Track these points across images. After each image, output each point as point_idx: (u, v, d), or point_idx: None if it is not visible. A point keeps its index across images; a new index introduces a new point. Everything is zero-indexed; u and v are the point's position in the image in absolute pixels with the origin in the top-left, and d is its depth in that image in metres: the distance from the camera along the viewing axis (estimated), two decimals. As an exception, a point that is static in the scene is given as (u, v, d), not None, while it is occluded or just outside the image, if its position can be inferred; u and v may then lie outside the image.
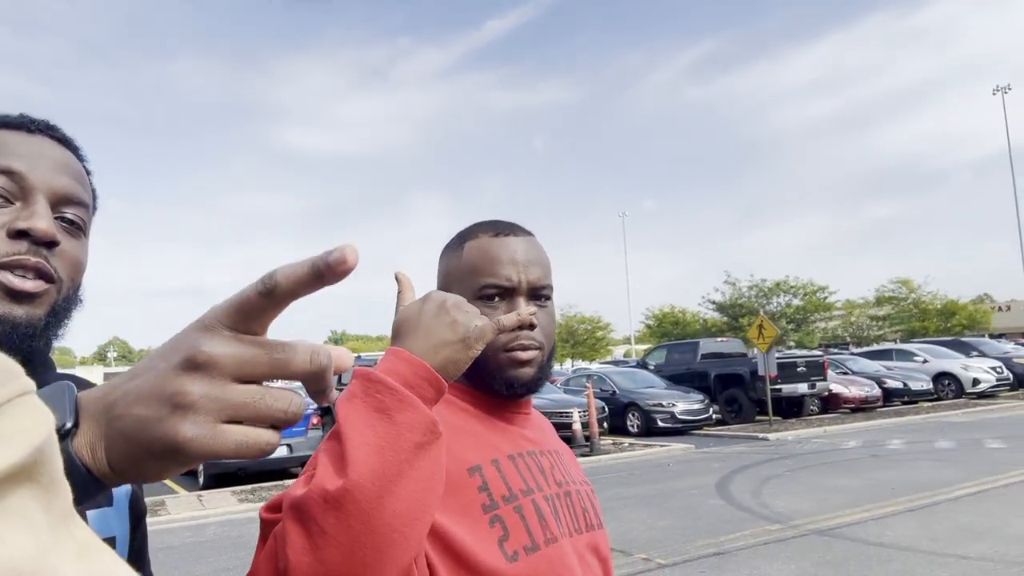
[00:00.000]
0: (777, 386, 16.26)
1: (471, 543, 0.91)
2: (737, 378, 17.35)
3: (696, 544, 6.59)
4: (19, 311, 0.78)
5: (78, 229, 0.84)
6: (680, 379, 18.15)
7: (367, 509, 0.71)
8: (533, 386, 1.07)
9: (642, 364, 21.11)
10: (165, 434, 0.40)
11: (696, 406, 16.06)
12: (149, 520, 1.04)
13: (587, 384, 14.91)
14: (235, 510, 9.30)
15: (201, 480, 11.44)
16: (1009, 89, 40.05)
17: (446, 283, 1.11)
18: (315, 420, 11.97)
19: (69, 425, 0.42)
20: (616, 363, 30.84)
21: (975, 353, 21.51)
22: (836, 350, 28.59)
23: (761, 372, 15.89)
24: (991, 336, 31.36)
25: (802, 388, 16.99)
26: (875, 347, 26.54)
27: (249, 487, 10.92)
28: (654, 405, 15.89)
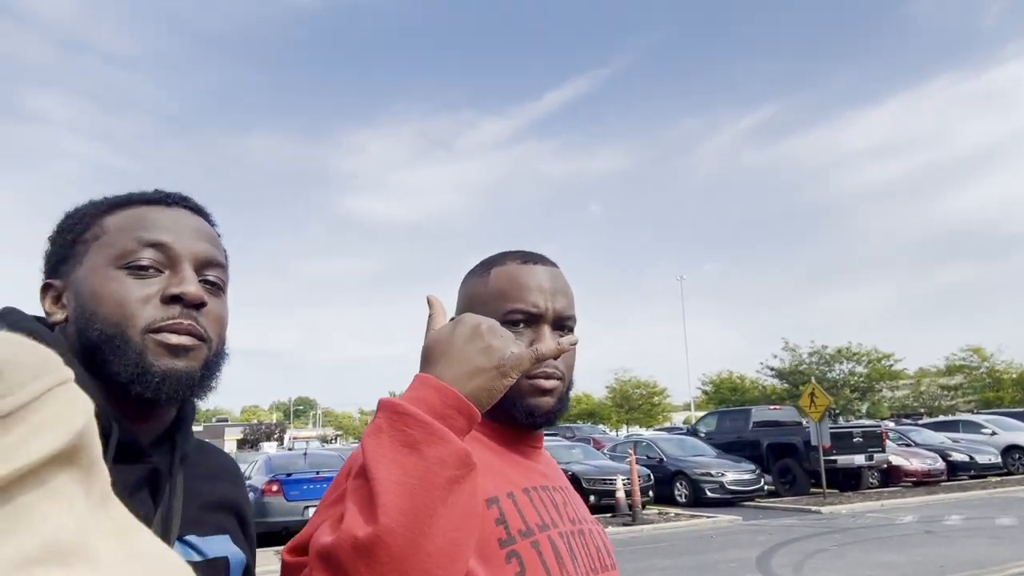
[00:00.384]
0: (832, 457, 15.74)
1: None
2: (790, 448, 16.87)
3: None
4: (180, 364, 0.85)
5: (219, 288, 0.92)
6: (731, 447, 17.75)
7: (400, 555, 0.68)
8: (552, 416, 1.04)
9: (692, 431, 20.72)
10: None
11: (746, 476, 15.66)
12: None
13: (629, 451, 14.75)
14: (276, 569, 9.47)
15: (247, 539, 11.67)
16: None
17: (468, 307, 1.09)
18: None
19: None
20: (670, 430, 30.31)
21: (1050, 426, 20.42)
22: (908, 421, 27.43)
23: (814, 442, 15.44)
24: (1071, 408, 29.64)
25: (859, 459, 16.39)
26: (940, 418, 25.43)
27: (292, 547, 11.08)
28: (702, 474, 15.55)
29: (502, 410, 1.00)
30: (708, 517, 13.29)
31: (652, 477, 15.42)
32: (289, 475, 11.96)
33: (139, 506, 0.82)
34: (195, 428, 0.98)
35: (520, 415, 1.02)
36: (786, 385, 38.02)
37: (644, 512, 13.35)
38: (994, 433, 20.08)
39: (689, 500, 15.50)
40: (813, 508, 13.97)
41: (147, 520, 0.82)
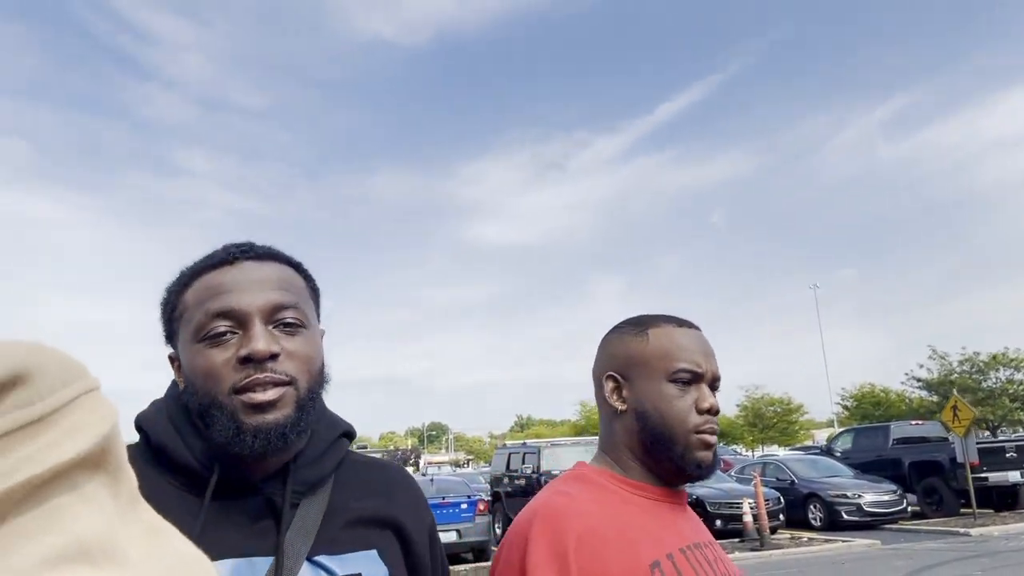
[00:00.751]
0: (982, 474, 14.62)
1: None
2: (935, 465, 15.79)
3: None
4: (269, 417, 0.89)
5: (298, 326, 0.94)
6: (870, 467, 16.81)
7: None
8: (714, 469, 1.12)
9: (827, 451, 19.79)
10: None
11: (887, 497, 14.82)
12: None
13: (754, 473, 14.35)
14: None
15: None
16: None
17: (628, 364, 1.14)
18: (482, 506, 12.58)
19: None
20: (807, 449, 29.01)
21: None
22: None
23: (960, 459, 14.43)
24: None
25: (1013, 476, 15.11)
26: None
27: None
28: (837, 496, 14.86)
29: (666, 466, 1.10)
30: (843, 541, 12.71)
31: (782, 500, 14.88)
32: (417, 501, 12.51)
33: (261, 534, 0.91)
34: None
35: (691, 468, 1.09)
36: (935, 397, 35.39)
37: (773, 537, 12.94)
38: None
39: (824, 523, 14.84)
40: (961, 530, 13.04)
41: (271, 548, 0.91)
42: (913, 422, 18.94)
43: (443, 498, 12.49)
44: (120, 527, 0.30)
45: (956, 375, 34.91)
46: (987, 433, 31.08)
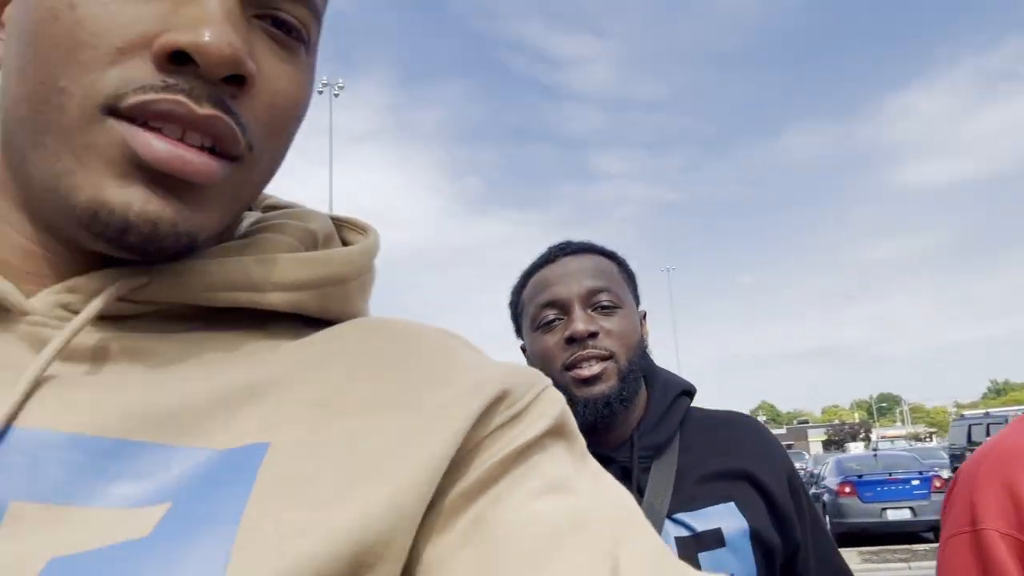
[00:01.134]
0: None
1: None
2: None
3: None
4: (595, 389, 1.01)
5: (613, 307, 1.07)
6: None
7: None
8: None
9: None
10: None
11: None
12: None
13: None
14: (857, 568, 9.76)
15: (830, 538, 12.12)
16: None
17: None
18: (938, 483, 11.56)
19: None
20: None
21: None
22: None
23: None
24: None
25: None
26: None
27: (875, 548, 11.16)
28: None
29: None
30: None
31: None
32: (860, 476, 12.05)
33: None
34: (778, 431, 1.25)
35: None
36: None
37: None
38: None
39: None
40: None
41: None
42: None
43: (889, 474, 11.81)
44: (575, 472, 0.41)
45: None
46: None
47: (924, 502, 11.38)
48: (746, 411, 1.19)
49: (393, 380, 0.40)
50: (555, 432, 0.42)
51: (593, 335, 1.03)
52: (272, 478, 0.34)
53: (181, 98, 0.36)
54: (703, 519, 1.00)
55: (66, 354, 0.38)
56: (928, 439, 57.54)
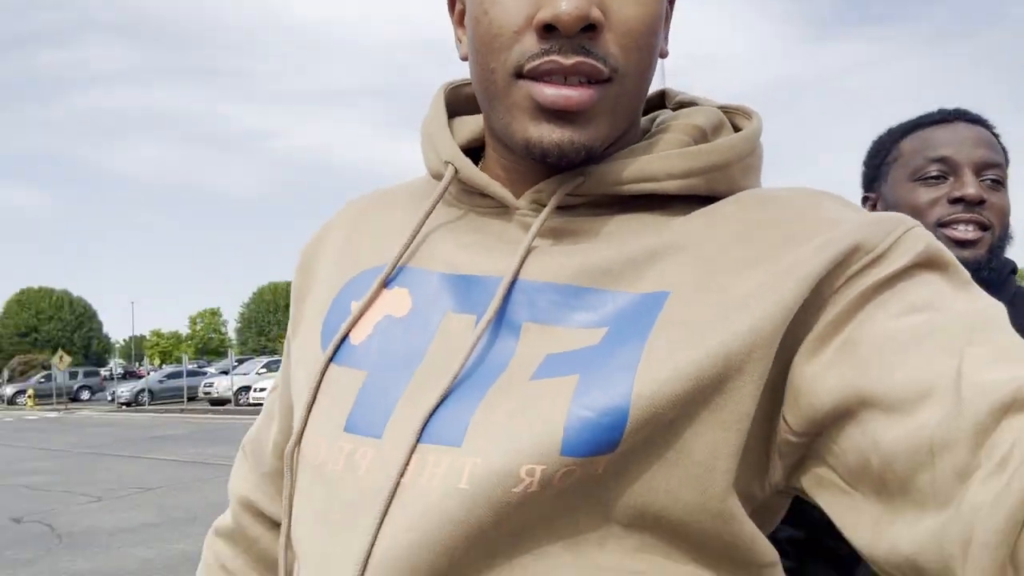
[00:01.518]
0: None
1: None
2: None
3: None
4: (967, 254, 1.04)
5: (998, 184, 1.10)
6: None
7: None
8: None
9: None
10: None
11: None
12: None
13: None
14: None
15: None
16: None
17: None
18: None
19: None
20: None
21: None
22: None
23: None
24: None
25: None
26: None
27: None
28: None
29: None
30: None
31: None
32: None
33: None
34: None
35: None
36: None
37: None
38: None
39: None
40: None
41: None
42: None
43: None
44: (948, 293, 0.46)
45: None
46: None
47: None
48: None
49: (760, 241, 0.52)
50: (923, 264, 0.48)
51: (981, 202, 1.07)
52: (669, 313, 0.50)
53: (554, 56, 0.51)
54: None
55: (541, 232, 0.56)
56: None
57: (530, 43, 0.51)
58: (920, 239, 0.49)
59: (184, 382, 26.98)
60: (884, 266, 0.47)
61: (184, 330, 69.63)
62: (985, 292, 0.48)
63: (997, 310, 0.45)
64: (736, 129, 0.62)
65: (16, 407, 32.13)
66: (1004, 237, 1.10)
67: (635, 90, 0.55)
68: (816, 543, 1.04)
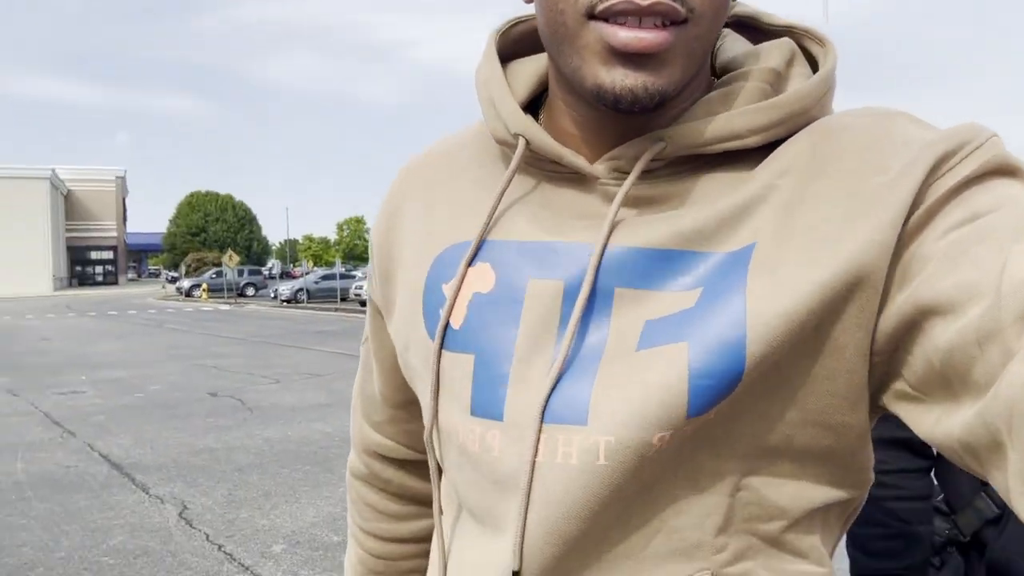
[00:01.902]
0: None
1: None
2: None
3: None
4: None
5: None
6: None
7: None
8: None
9: None
10: None
11: None
12: None
13: None
14: None
15: None
16: None
17: None
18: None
19: None
20: None
21: None
22: None
23: None
24: None
25: None
26: None
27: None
28: None
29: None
30: None
31: None
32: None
33: None
34: None
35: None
36: None
37: None
38: None
39: None
40: None
41: None
42: None
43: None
44: (1009, 199, 0.46)
45: None
46: None
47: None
48: None
49: (835, 173, 0.51)
50: (992, 171, 0.48)
51: None
52: (759, 261, 0.50)
53: None
54: None
55: (625, 201, 0.55)
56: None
57: None
58: (990, 148, 0.48)
59: (337, 284, 28.70)
60: (951, 176, 0.48)
61: (332, 236, 73.55)
62: None
63: None
64: (806, 54, 0.60)
65: (192, 299, 35.58)
66: None
67: (709, 32, 0.52)
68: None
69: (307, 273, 38.28)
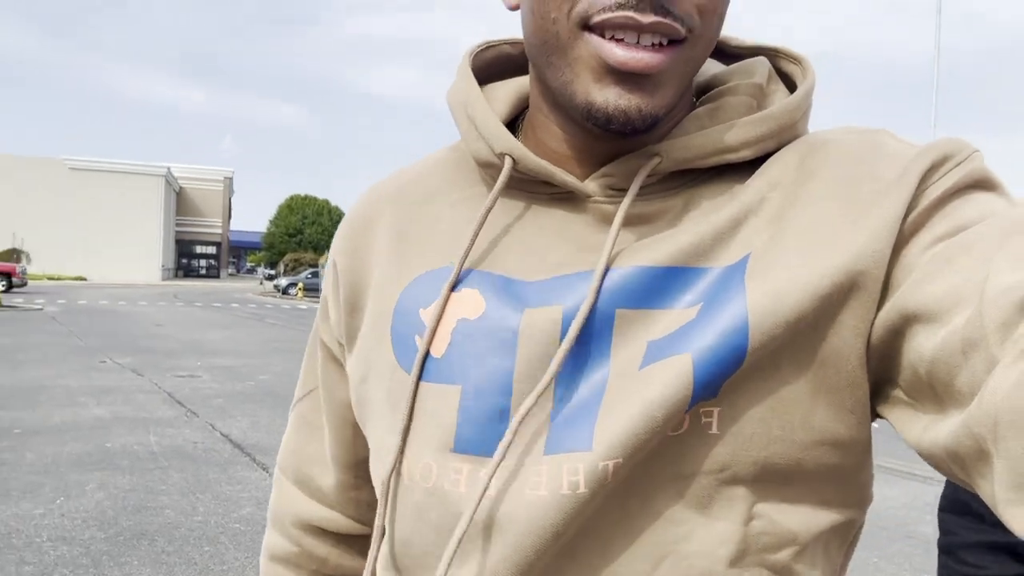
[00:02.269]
0: None
1: None
2: None
3: None
4: None
5: None
6: None
7: None
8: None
9: None
10: None
11: None
12: None
13: None
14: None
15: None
16: None
17: None
18: None
19: None
20: None
21: None
22: None
23: None
24: None
25: None
26: None
27: None
28: None
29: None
30: None
31: None
32: None
33: None
34: None
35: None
36: None
37: None
38: None
39: None
40: None
41: None
42: None
43: None
44: (991, 211, 0.45)
45: None
46: None
47: None
48: None
49: (826, 181, 0.50)
50: (972, 184, 0.48)
51: None
52: (755, 269, 0.49)
53: (629, 12, 0.46)
54: None
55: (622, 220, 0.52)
56: None
57: None
58: (973, 162, 0.49)
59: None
60: (937, 187, 0.48)
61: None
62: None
63: None
64: (779, 72, 0.60)
65: (288, 296, 37.05)
66: None
67: (702, 55, 0.51)
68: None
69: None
